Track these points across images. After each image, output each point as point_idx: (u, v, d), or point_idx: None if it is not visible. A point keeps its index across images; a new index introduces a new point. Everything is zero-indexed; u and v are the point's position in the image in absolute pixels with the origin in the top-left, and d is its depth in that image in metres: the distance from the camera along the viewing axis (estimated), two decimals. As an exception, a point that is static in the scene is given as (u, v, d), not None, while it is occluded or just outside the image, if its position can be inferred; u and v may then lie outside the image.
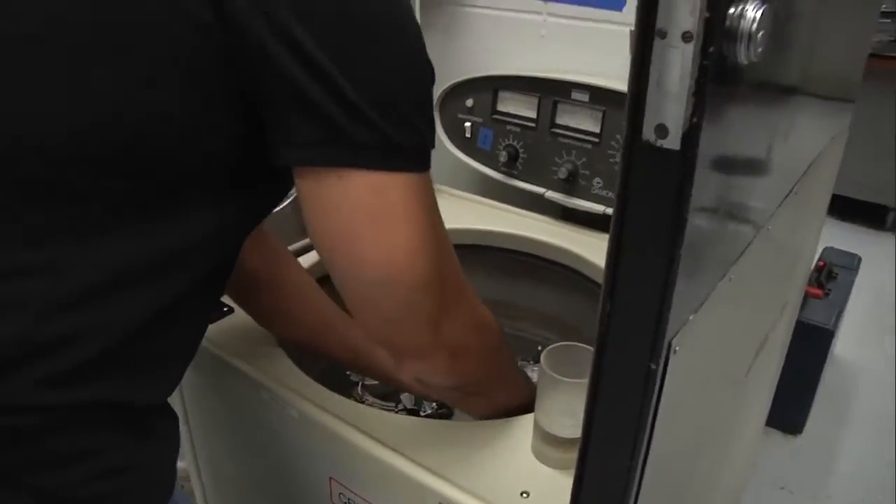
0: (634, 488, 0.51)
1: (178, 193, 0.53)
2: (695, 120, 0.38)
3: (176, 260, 0.55)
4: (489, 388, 0.73)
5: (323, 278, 1.07)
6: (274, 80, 0.48)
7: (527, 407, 0.80)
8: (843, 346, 1.97)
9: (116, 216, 0.52)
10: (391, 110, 0.51)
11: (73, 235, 0.51)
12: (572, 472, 0.52)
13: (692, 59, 0.37)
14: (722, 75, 0.40)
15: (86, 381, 0.53)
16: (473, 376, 0.67)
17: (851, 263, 1.97)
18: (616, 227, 0.43)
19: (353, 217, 0.52)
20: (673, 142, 0.39)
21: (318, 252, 0.56)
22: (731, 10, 0.38)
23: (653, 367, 0.45)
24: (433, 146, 0.56)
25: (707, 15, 0.36)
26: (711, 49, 0.37)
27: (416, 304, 0.56)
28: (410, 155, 0.53)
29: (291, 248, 1.07)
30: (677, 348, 0.46)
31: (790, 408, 1.77)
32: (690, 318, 0.48)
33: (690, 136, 0.39)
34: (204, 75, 0.50)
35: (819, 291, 1.80)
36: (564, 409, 0.64)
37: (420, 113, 0.54)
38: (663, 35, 0.37)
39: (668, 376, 0.47)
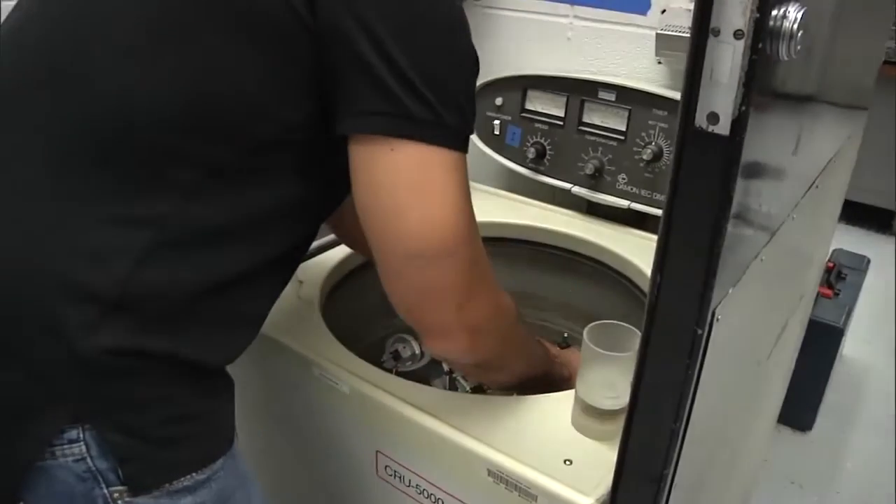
0: (677, 451, 0.56)
1: (265, 160, 0.60)
2: (743, 108, 0.44)
3: (262, 224, 0.62)
4: (508, 362, 0.79)
5: (356, 269, 1.13)
6: (348, 57, 0.56)
7: (548, 374, 0.86)
8: (852, 345, 2.01)
9: (214, 178, 0.59)
10: (443, 93, 0.58)
11: (179, 193, 0.58)
12: (613, 443, 0.57)
13: (742, 53, 0.42)
14: (766, 70, 0.45)
15: (168, 332, 0.60)
16: (493, 353, 0.73)
17: (860, 265, 2.02)
18: (669, 204, 0.48)
19: (398, 188, 0.58)
20: (723, 128, 0.45)
21: (362, 223, 0.62)
22: (776, 12, 0.43)
23: (699, 332, 0.50)
24: (473, 131, 0.63)
25: (756, 15, 0.42)
26: (760, 45, 0.42)
27: (445, 279, 0.62)
28: (456, 134, 0.60)
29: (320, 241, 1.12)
30: (719, 317, 0.52)
31: (800, 405, 1.81)
32: (730, 290, 0.54)
33: (739, 123, 0.44)
34: (290, 53, 0.57)
35: (829, 291, 1.85)
36: (605, 382, 0.69)
37: (466, 99, 0.61)
38: (717, 33, 0.43)
39: (710, 343, 0.52)
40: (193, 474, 0.63)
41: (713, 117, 0.45)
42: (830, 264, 1.95)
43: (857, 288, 1.93)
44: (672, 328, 0.51)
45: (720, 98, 0.44)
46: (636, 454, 0.58)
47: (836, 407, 1.92)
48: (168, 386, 0.62)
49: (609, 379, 0.69)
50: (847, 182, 1.20)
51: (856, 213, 2.77)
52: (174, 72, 0.57)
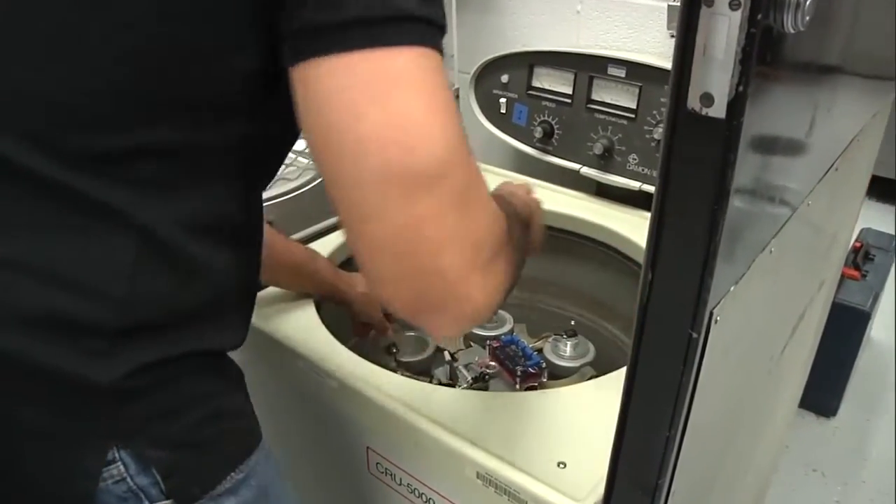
0: (672, 459, 0.52)
1: (225, 112, 0.54)
2: (740, 89, 0.39)
3: (218, 163, 0.56)
4: (522, 262, 0.64)
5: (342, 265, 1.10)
6: None
7: (525, 218, 0.71)
8: (880, 328, 1.94)
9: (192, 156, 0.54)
10: None
11: (155, 188, 0.53)
12: (610, 445, 0.53)
13: (739, 26, 0.37)
14: (768, 45, 0.40)
15: (183, 328, 0.57)
16: (511, 278, 0.56)
17: (889, 245, 1.94)
18: (659, 196, 0.44)
19: (354, 95, 0.45)
20: (718, 110, 0.40)
21: (317, 163, 0.48)
22: (780, -23, 0.38)
23: (694, 335, 0.46)
24: (444, 29, 0.49)
25: (755, -19, 0.36)
26: (759, 17, 0.37)
27: (438, 201, 0.46)
28: (418, 27, 0.47)
29: (307, 231, 1.10)
30: (718, 318, 0.47)
31: (824, 390, 1.76)
32: (732, 288, 0.49)
33: (736, 105, 0.39)
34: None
35: (856, 273, 1.78)
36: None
37: None
38: (710, 3, 0.38)
39: (708, 346, 0.47)
40: (232, 474, 0.61)
41: (707, 98, 0.40)
42: (857, 244, 1.87)
43: (886, 269, 1.86)
44: (664, 331, 0.47)
45: (715, 77, 0.39)
46: (628, 464, 0.54)
47: (861, 392, 1.86)
48: (197, 384, 0.59)
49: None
50: (874, 160, 1.13)
51: (886, 190, 2.67)
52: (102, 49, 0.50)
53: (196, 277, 0.57)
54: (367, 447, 0.80)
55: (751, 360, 0.68)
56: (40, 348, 0.52)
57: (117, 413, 0.55)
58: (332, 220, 1.12)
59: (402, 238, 0.47)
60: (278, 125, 0.57)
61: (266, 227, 0.75)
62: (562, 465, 0.66)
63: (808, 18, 0.40)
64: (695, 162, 0.42)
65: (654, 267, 0.46)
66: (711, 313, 0.46)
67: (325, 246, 1.07)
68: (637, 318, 0.48)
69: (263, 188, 0.66)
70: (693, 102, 0.40)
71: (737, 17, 0.37)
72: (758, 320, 0.63)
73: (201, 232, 0.57)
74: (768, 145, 0.48)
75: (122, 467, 0.56)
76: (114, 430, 0.55)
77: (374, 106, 0.45)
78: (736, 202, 0.43)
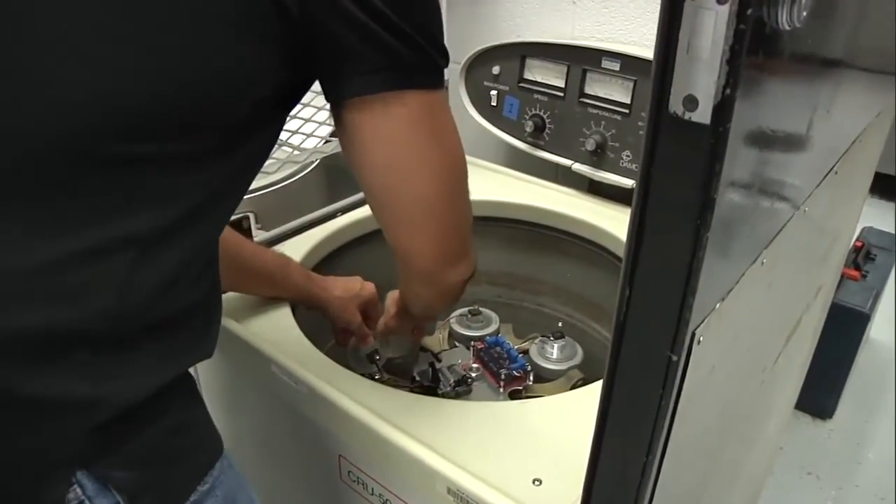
0: (651, 483, 0.49)
1: (225, 140, 0.55)
2: (728, 91, 0.35)
3: (221, 196, 0.58)
4: None
5: (335, 252, 1.07)
6: (338, 21, 0.53)
7: None
8: (879, 329, 1.90)
9: (192, 172, 0.53)
10: (429, 35, 0.58)
11: (153, 204, 0.52)
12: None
13: (727, 22, 0.33)
14: (760, 42, 0.36)
15: (156, 341, 0.55)
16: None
17: (891, 244, 1.90)
18: (638, 207, 0.40)
19: (418, 136, 0.59)
20: (703, 115, 0.36)
21: (376, 188, 0.62)
22: (773, -31, 0.34)
23: (673, 358, 0.42)
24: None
25: (745, -27, 0.32)
26: (749, 11, 0.33)
27: (465, 204, 0.65)
28: (442, 73, 0.61)
29: (288, 226, 1.07)
30: (701, 338, 0.43)
31: (821, 392, 1.72)
32: (717, 306, 0.45)
33: (723, 109, 0.35)
34: (263, 27, 0.52)
35: (856, 273, 1.74)
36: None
37: (442, 38, 0.61)
38: (695, -5, 0.34)
39: (690, 367, 0.44)
40: (198, 487, 0.60)
41: (691, 102, 0.36)
42: (858, 243, 1.83)
43: (888, 269, 1.82)
44: (642, 353, 0.43)
45: (699, 78, 0.35)
46: (604, 487, 0.50)
47: (859, 394, 1.82)
48: (156, 400, 0.57)
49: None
50: (877, 160, 1.09)
51: (889, 187, 2.62)
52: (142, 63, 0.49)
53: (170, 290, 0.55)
54: (340, 455, 0.77)
55: (740, 375, 0.65)
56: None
57: (86, 439, 0.53)
58: (313, 215, 1.09)
59: (451, 226, 0.65)
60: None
61: (233, 233, 0.73)
62: (537, 483, 0.63)
63: (805, 14, 0.36)
64: (676, 171, 0.38)
65: (632, 283, 0.42)
66: (693, 334, 0.43)
67: (308, 241, 1.04)
68: (613, 335, 0.44)
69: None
70: (675, 106, 0.36)
71: (724, 11, 0.33)
72: (747, 335, 0.59)
73: (185, 234, 0.55)
74: (759, 151, 0.44)
75: (78, 490, 0.53)
76: (75, 453, 0.53)
77: (436, 143, 0.61)
78: (722, 214, 0.39)
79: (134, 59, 0.48)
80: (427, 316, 0.89)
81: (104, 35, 0.48)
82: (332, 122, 0.77)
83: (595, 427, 0.48)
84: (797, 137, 0.53)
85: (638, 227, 0.40)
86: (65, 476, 0.53)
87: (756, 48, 0.35)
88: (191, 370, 0.63)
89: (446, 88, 0.58)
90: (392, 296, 0.88)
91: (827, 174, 0.67)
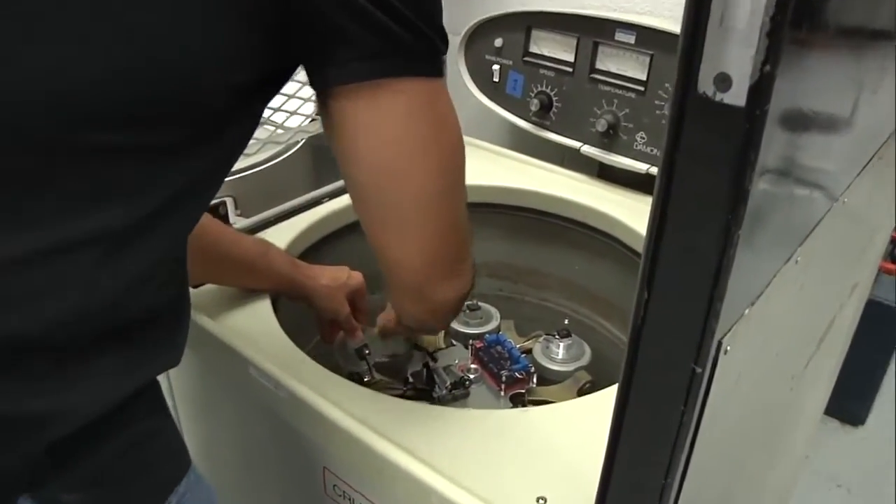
0: (670, 506, 0.47)
1: (201, 130, 0.54)
2: (767, 68, 0.33)
3: (187, 196, 0.56)
4: None
5: (321, 241, 1.06)
6: (332, 5, 0.52)
7: None
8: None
9: (148, 170, 0.52)
10: (430, 19, 0.57)
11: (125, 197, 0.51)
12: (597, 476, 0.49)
13: (768, -12, 0.32)
14: (805, 12, 0.34)
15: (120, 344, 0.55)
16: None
17: (931, 235, 1.90)
18: (660, 200, 0.38)
19: (417, 128, 0.58)
20: (737, 96, 0.34)
21: (369, 186, 0.60)
22: (821, -73, 0.32)
23: (697, 370, 0.41)
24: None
25: (789, -72, 0.31)
26: (794, -24, 0.31)
27: (463, 206, 0.64)
28: (442, 60, 0.60)
29: (271, 212, 1.06)
30: (728, 348, 0.42)
31: (852, 396, 1.73)
32: (746, 311, 0.44)
33: (760, 90, 0.33)
34: (246, 5, 0.51)
35: (892, 266, 1.74)
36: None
37: (441, 20, 0.60)
38: (730, -44, 0.32)
39: (714, 381, 0.42)
40: None
41: (723, 80, 0.34)
42: None
43: (927, 262, 1.82)
44: (662, 364, 0.42)
45: (734, 53, 0.33)
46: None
47: (893, 399, 1.83)
48: (119, 410, 0.56)
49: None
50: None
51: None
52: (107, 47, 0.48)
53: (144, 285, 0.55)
54: (324, 467, 0.76)
55: (768, 383, 0.64)
56: None
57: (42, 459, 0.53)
58: (297, 201, 1.09)
59: (450, 227, 0.63)
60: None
61: (211, 219, 0.72)
62: (542, 501, 0.62)
63: (854, -21, 0.34)
64: (705, 159, 0.36)
65: (651, 286, 0.40)
66: (720, 343, 0.41)
67: (291, 228, 1.03)
68: (629, 343, 0.43)
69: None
70: (705, 85, 0.35)
71: (764, -24, 0.31)
72: (777, 340, 0.58)
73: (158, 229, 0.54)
74: (797, 137, 0.43)
75: None
76: (20, 475, 0.53)
77: (436, 135, 0.60)
78: (754, 207, 0.38)
79: (102, 38, 0.47)
80: (422, 330, 0.88)
81: (72, 10, 0.46)
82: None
83: (607, 445, 0.47)
84: (840, 120, 0.51)
85: (659, 223, 0.39)
86: (5, 503, 0.53)
87: (800, 19, 0.33)
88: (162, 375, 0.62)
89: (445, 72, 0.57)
90: None
91: (870, 160, 0.65)
